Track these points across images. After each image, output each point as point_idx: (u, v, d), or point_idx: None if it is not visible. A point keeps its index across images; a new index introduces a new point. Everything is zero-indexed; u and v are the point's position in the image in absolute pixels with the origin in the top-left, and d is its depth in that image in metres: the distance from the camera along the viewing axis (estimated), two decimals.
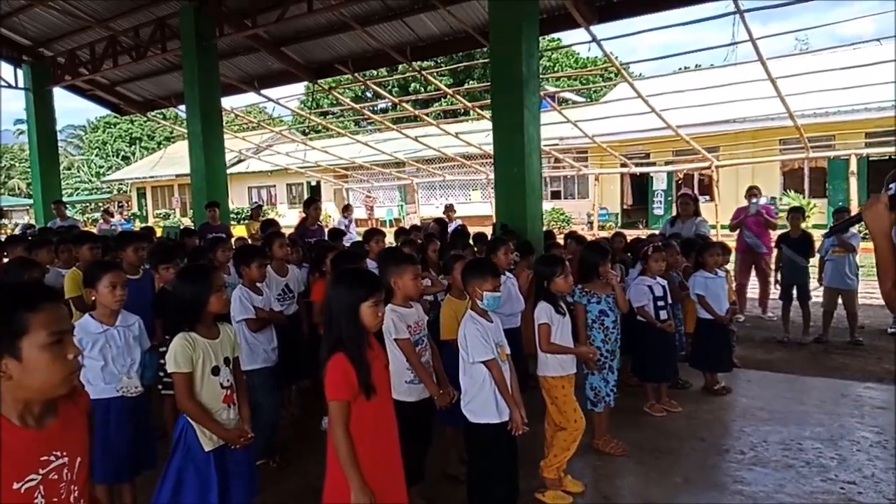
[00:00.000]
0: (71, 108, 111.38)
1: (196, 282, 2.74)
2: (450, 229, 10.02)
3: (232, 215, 17.84)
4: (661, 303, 4.92)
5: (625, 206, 24.54)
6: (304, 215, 7.96)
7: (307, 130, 20.07)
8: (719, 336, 5.43)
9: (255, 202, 22.33)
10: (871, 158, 16.14)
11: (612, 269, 4.91)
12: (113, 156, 45.07)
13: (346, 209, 12.44)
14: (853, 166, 13.50)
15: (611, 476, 3.90)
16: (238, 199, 30.61)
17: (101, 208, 21.38)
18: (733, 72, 10.86)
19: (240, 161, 27.97)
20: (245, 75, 12.48)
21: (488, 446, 3.08)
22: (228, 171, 11.65)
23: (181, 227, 9.93)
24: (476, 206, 23.96)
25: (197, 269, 2.93)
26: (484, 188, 23.41)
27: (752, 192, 8.38)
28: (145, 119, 21.54)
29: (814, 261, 7.37)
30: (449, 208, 11.34)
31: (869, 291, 9.28)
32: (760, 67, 9.42)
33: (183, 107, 11.98)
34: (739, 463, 4.00)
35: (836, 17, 31.46)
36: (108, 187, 41.35)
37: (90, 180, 42.98)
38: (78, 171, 43.44)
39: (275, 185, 33.07)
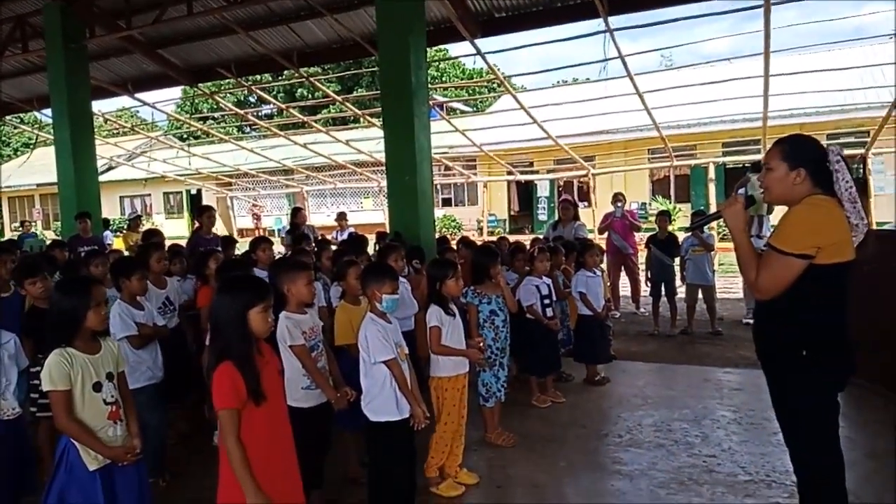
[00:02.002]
0: None
1: (75, 295, 2.61)
2: (342, 237, 10.03)
3: (108, 226, 16.62)
4: (546, 301, 5.25)
5: (512, 213, 25.50)
6: (197, 224, 7.66)
7: (186, 136, 19.09)
8: (598, 331, 5.87)
9: (133, 212, 20.91)
10: (727, 166, 17.91)
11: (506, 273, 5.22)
12: None
13: (341, 217, 11.39)
14: (711, 174, 14.91)
15: (503, 466, 4.11)
16: (109, 210, 28.54)
17: None
18: (606, 86, 11.65)
19: (110, 168, 26.13)
20: (118, 78, 11.72)
21: (389, 443, 3.17)
22: (98, 179, 10.89)
23: (51, 240, 9.15)
24: (368, 214, 23.91)
25: (76, 282, 2.79)
26: (376, 196, 23.41)
27: (617, 197, 9.12)
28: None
29: (679, 259, 8.10)
30: (341, 216, 11.28)
31: (727, 287, 10.31)
32: (629, 82, 10.19)
33: (46, 111, 11.05)
34: (617, 445, 4.36)
35: (697, 36, 34.36)
36: None
37: None
38: None
39: (150, 195, 31.14)
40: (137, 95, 12.27)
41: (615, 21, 8.25)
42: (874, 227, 7.33)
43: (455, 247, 6.85)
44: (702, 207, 15.72)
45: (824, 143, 2.67)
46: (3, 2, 9.43)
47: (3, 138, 41.14)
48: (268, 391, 2.37)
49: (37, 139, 16.92)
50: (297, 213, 9.69)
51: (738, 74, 11.56)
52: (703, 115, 18.01)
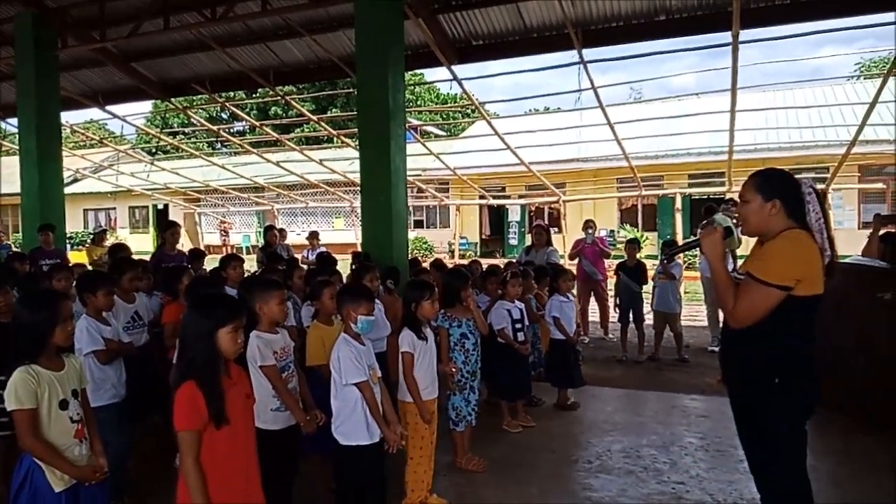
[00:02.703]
0: None
1: (41, 310, 2.54)
2: (312, 256, 9.95)
3: (67, 240, 16.21)
4: (518, 325, 5.26)
5: (483, 236, 25.65)
6: (162, 240, 7.54)
7: (154, 150, 18.77)
8: (570, 355, 5.89)
9: (99, 226, 20.46)
10: (693, 197, 18.37)
11: (477, 297, 5.25)
12: None
13: (314, 237, 11.21)
14: (678, 204, 15.27)
15: (473, 491, 4.07)
16: (73, 223, 27.85)
17: None
18: (578, 115, 11.91)
19: (76, 181, 25.56)
20: (88, 89, 11.54)
21: (359, 468, 3.12)
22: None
23: (11, 252, 8.86)
24: (339, 234, 23.80)
25: (43, 297, 2.72)
26: (347, 216, 23.33)
27: (588, 224, 9.27)
28: None
29: (648, 287, 8.23)
30: (313, 235, 11.22)
31: (692, 315, 10.48)
32: (601, 113, 10.43)
33: (12, 119, 10.78)
34: (587, 471, 4.36)
35: (667, 71, 35.53)
36: None
37: None
38: None
39: (115, 208, 30.51)
40: (108, 108, 12.09)
41: (589, 53, 8.50)
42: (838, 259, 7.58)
43: (427, 269, 6.86)
44: (668, 236, 16.05)
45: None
46: None
47: None
48: (232, 414, 2.31)
49: (0, 148, 16.44)
50: (267, 231, 9.62)
51: (706, 109, 11.94)
52: (670, 147, 18.55)
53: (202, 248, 22.08)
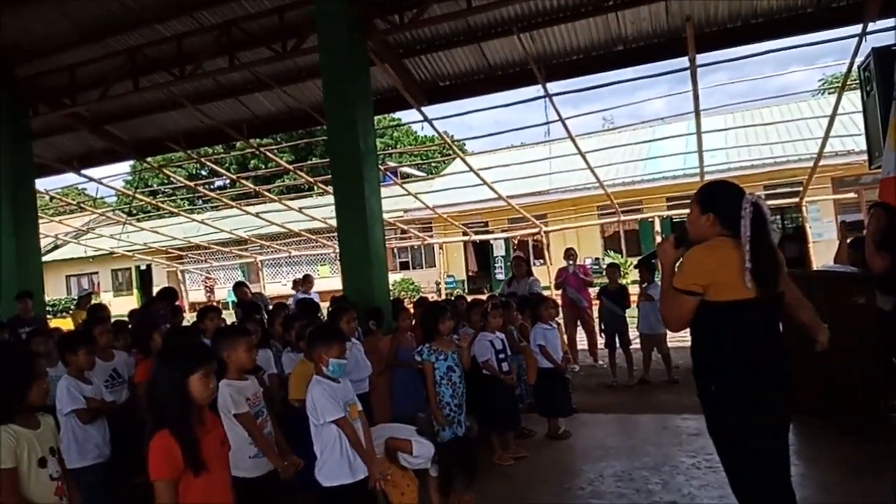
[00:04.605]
0: None
1: (15, 369, 2.56)
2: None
3: (48, 307, 16.05)
4: (501, 355, 5.25)
5: (470, 273, 25.70)
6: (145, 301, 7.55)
7: (134, 210, 18.80)
8: (559, 384, 5.85)
9: (85, 290, 20.26)
10: (673, 219, 18.63)
11: (463, 329, 5.27)
12: None
13: (306, 281, 11.15)
14: (657, 227, 15.46)
15: None
16: (55, 290, 27.58)
17: None
18: (549, 147, 12.14)
19: (56, 247, 25.42)
20: (63, 154, 11.59)
21: None
22: (43, 258, 10.59)
23: None
24: (326, 282, 23.71)
25: (16, 356, 2.74)
26: (332, 263, 23.32)
27: (569, 253, 9.34)
28: None
29: (634, 311, 8.24)
30: (307, 280, 11.04)
31: (680, 336, 10.48)
32: (571, 144, 10.64)
33: None
34: (580, 498, 4.31)
35: (639, 98, 36.50)
36: None
37: None
38: None
39: (97, 272, 30.27)
40: (84, 172, 12.14)
41: (555, 86, 8.72)
42: (813, 268, 7.71)
43: (413, 309, 6.86)
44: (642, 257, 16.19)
45: (760, 193, 2.85)
46: None
47: None
48: (209, 461, 2.31)
49: None
50: (237, 289, 9.64)
51: (674, 133, 12.25)
52: (646, 172, 18.88)
53: (187, 305, 21.98)
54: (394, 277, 22.22)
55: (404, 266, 26.69)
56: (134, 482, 4.67)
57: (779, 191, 16.51)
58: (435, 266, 24.62)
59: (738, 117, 19.04)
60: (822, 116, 12.49)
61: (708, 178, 12.73)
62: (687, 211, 2.86)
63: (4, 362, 2.68)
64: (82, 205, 17.68)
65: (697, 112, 9.23)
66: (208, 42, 7.85)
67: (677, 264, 2.65)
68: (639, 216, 17.79)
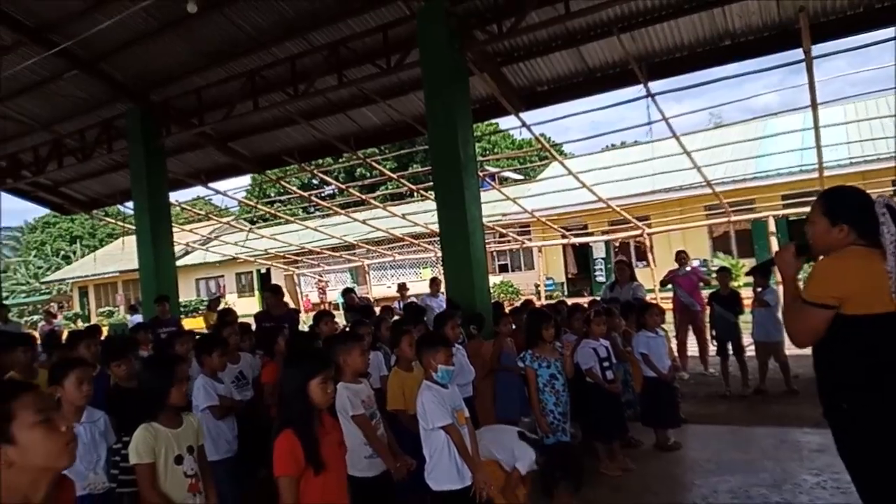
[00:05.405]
0: (4, 210, 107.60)
1: (159, 372, 2.83)
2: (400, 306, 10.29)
3: (181, 308, 17.54)
4: (606, 363, 5.18)
5: (569, 276, 25.30)
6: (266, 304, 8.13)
7: (255, 219, 20.20)
8: (665, 393, 5.68)
9: (215, 293, 22.00)
10: (789, 218, 17.40)
11: (565, 336, 5.26)
12: (53, 255, 43.78)
13: (402, 287, 11.91)
14: (772, 227, 14.52)
15: None
16: (186, 292, 30.00)
17: (42, 310, 20.61)
18: (653, 147, 11.75)
19: (187, 253, 27.65)
20: (192, 170, 12.68)
21: None
22: (176, 264, 11.63)
23: (136, 323, 9.73)
24: (427, 284, 24.17)
25: (161, 360, 3.04)
26: (434, 266, 23.77)
27: (681, 256, 8.97)
28: (86, 217, 21.27)
29: (749, 317, 7.83)
30: (402, 287, 11.61)
31: None
32: (675, 143, 10.26)
33: (129, 203, 11.97)
34: None
35: (748, 92, 34.13)
36: (48, 288, 39.90)
37: (28, 282, 41.38)
38: (14, 273, 41.81)
39: (223, 276, 32.66)
40: (210, 185, 13.20)
41: (655, 86, 8.47)
42: None
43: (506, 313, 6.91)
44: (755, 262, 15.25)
45: (888, 191, 2.63)
46: (91, 109, 10.50)
47: (90, 230, 44.39)
48: (327, 460, 2.47)
49: (123, 231, 18.23)
50: (345, 294, 10.14)
51: (788, 127, 11.49)
52: (758, 170, 17.76)
53: (302, 306, 23.27)
54: (493, 280, 22.31)
55: (503, 269, 26.74)
56: (258, 477, 5.10)
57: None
58: (534, 269, 24.46)
59: (860, 108, 17.49)
60: None
61: (828, 173, 11.82)
62: (806, 209, 2.67)
63: (150, 367, 2.99)
64: (210, 214, 19.18)
65: (814, 104, 8.61)
66: (318, 62, 8.32)
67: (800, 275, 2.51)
68: (751, 216, 16.76)
